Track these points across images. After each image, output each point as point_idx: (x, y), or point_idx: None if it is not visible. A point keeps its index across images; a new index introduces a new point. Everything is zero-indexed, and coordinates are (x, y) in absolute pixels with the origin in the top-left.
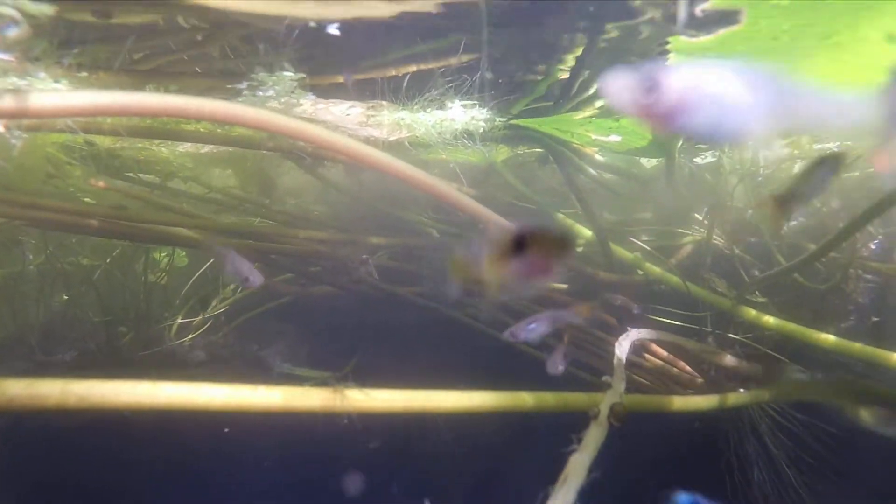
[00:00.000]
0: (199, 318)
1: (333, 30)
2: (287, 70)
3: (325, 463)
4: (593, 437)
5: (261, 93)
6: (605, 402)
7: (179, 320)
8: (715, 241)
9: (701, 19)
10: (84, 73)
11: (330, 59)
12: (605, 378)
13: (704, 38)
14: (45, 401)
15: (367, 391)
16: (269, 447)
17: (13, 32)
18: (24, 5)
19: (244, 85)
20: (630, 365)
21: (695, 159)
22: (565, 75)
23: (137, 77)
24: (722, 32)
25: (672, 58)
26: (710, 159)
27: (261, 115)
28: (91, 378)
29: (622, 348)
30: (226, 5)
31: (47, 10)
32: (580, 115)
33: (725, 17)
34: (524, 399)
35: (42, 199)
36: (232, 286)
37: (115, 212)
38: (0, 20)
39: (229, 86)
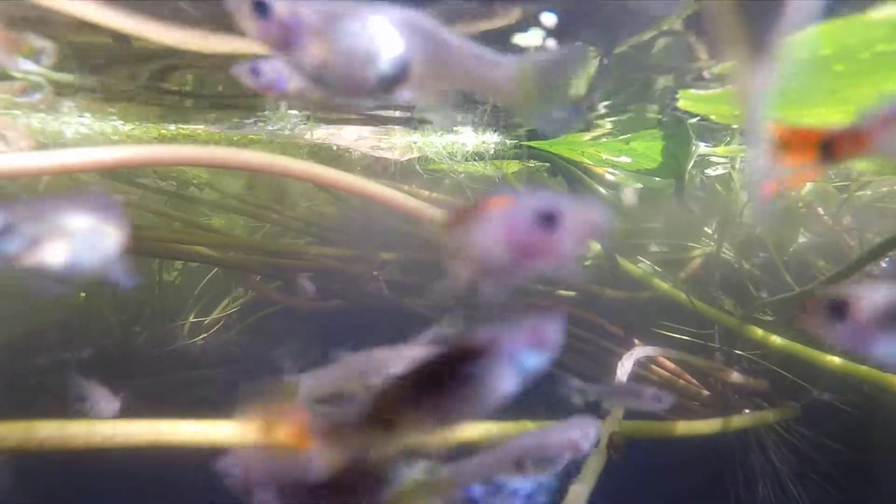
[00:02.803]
0: (211, 317)
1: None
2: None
3: None
4: (592, 467)
5: (270, 127)
6: (604, 430)
7: (192, 319)
8: (724, 255)
9: (708, 78)
10: (111, 110)
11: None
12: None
13: (712, 91)
14: (72, 441)
15: None
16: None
17: (38, 98)
18: (49, 74)
19: (251, 120)
20: (635, 378)
21: (706, 171)
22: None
23: (159, 107)
24: (730, 87)
25: (682, 103)
26: (720, 171)
27: (265, 159)
28: (115, 419)
29: (624, 369)
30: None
31: (69, 78)
32: (590, 135)
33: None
34: (527, 428)
35: None
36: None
37: (133, 231)
38: (26, 86)
39: (240, 119)
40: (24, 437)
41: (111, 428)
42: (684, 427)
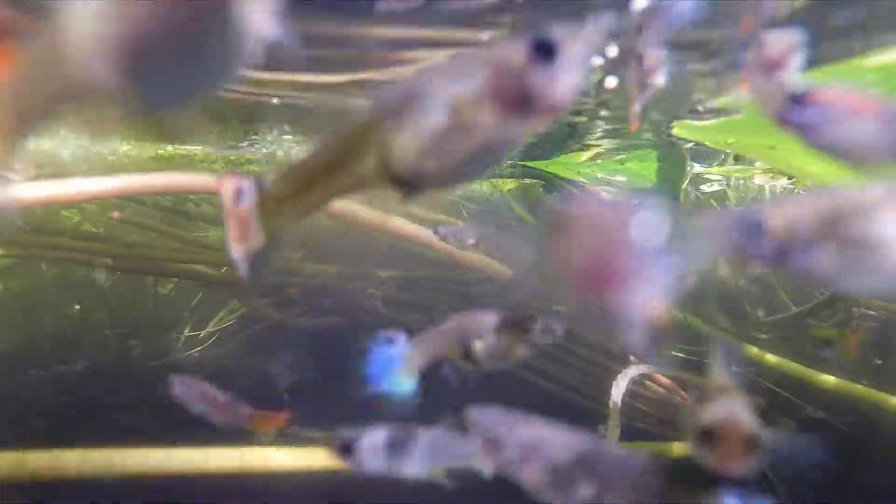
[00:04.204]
0: (206, 330)
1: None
2: (287, 133)
3: None
4: None
5: (265, 150)
6: None
7: (187, 332)
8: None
9: (702, 112)
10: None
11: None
12: (600, 427)
13: (707, 122)
14: (64, 471)
15: None
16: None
17: None
18: None
19: (246, 143)
20: (631, 395)
21: (701, 187)
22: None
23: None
24: (724, 119)
25: (677, 131)
26: (716, 188)
27: None
28: (107, 448)
29: (619, 389)
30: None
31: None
32: (586, 155)
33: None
34: None
35: (61, 239)
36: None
37: (129, 250)
38: None
39: (234, 142)
40: (15, 466)
41: (103, 457)
42: (681, 447)
